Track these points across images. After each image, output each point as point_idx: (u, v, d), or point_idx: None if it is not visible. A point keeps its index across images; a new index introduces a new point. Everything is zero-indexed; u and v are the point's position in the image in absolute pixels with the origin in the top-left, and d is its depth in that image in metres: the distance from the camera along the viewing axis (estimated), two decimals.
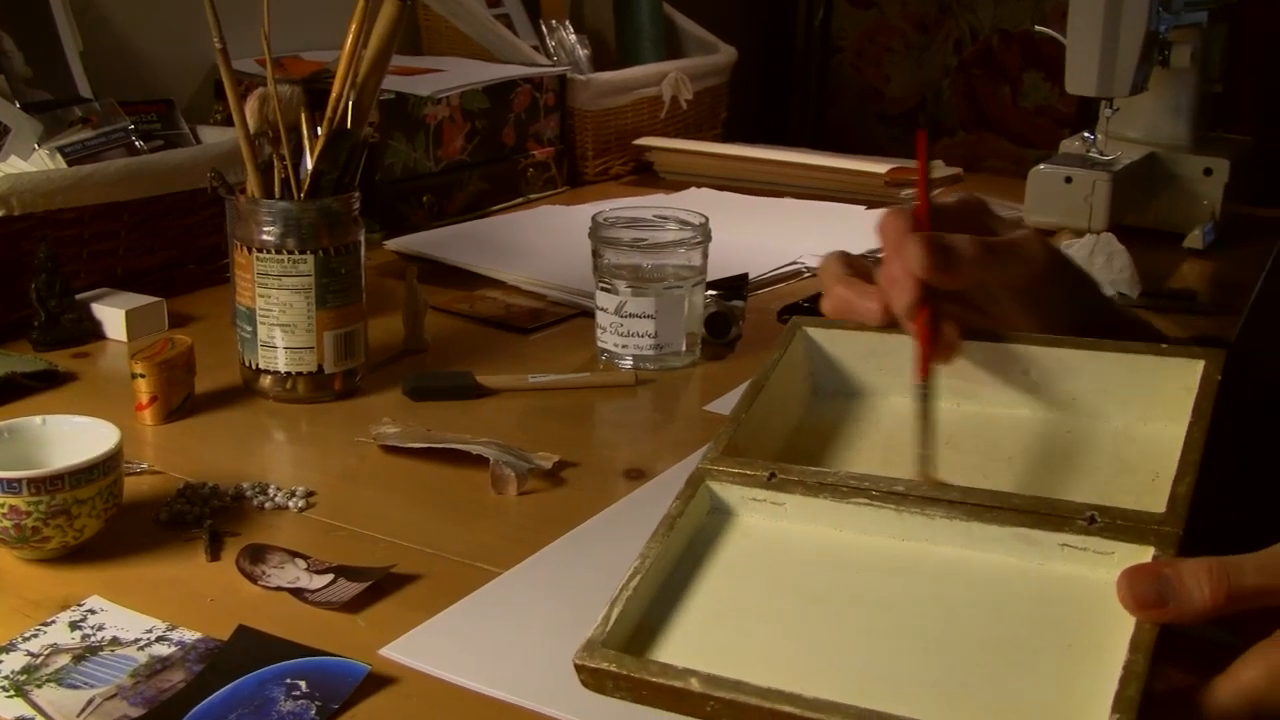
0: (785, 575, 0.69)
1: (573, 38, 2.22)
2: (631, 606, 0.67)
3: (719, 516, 0.73)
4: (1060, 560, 0.66)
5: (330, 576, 0.87)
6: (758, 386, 0.77)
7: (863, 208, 1.96)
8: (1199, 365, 0.75)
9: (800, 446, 0.78)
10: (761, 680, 0.60)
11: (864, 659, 0.64)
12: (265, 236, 1.14)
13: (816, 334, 0.82)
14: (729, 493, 0.73)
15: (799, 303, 1.46)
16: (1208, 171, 1.86)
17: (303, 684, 0.75)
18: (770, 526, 0.72)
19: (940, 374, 0.75)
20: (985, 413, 0.79)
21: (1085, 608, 0.64)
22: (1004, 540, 0.68)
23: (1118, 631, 0.61)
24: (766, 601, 0.68)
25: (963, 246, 0.75)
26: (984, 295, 0.80)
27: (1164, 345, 0.77)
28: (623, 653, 0.64)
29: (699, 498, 0.72)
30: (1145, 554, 0.63)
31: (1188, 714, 0.60)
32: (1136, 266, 1.58)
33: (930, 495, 0.69)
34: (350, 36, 1.16)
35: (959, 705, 0.60)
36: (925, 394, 0.72)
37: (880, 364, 0.81)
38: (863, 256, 0.81)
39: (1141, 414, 0.77)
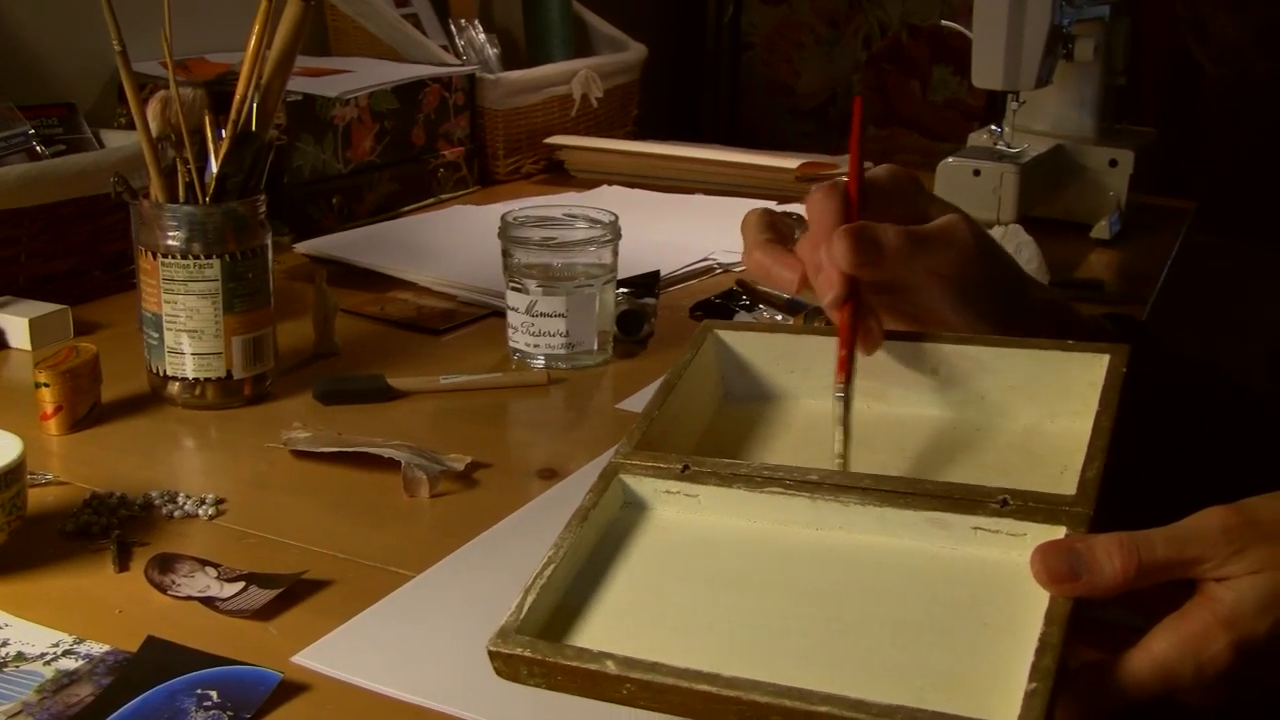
0: (701, 564, 0.69)
1: (482, 37, 2.21)
2: (545, 595, 0.66)
3: (633, 509, 0.73)
4: (973, 544, 0.67)
5: (241, 584, 0.86)
6: (669, 386, 0.77)
7: (774, 203, 1.96)
8: (1104, 360, 0.75)
9: (712, 447, 0.78)
10: (679, 664, 0.60)
11: (780, 642, 0.64)
12: (170, 241, 1.12)
13: (727, 336, 0.82)
14: (643, 485, 0.72)
15: (711, 299, 1.47)
16: (1113, 163, 1.89)
17: (214, 694, 0.74)
18: (684, 518, 0.72)
19: (856, 374, 0.75)
20: (895, 412, 0.79)
21: (999, 588, 0.65)
22: (917, 525, 0.68)
23: (1032, 609, 0.62)
24: (682, 590, 0.68)
25: (890, 239, 0.75)
26: (909, 282, 0.80)
27: (1070, 341, 0.77)
28: (537, 639, 0.63)
29: (612, 490, 0.72)
30: (1057, 534, 0.64)
31: (1102, 686, 0.62)
32: (1044, 257, 1.59)
33: (843, 483, 0.69)
34: (254, 37, 1.15)
35: (875, 681, 0.60)
36: (846, 396, 0.72)
37: (791, 366, 0.81)
38: (786, 215, 0.80)
39: (1050, 410, 0.77)
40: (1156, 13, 2.74)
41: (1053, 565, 0.62)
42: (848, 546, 0.69)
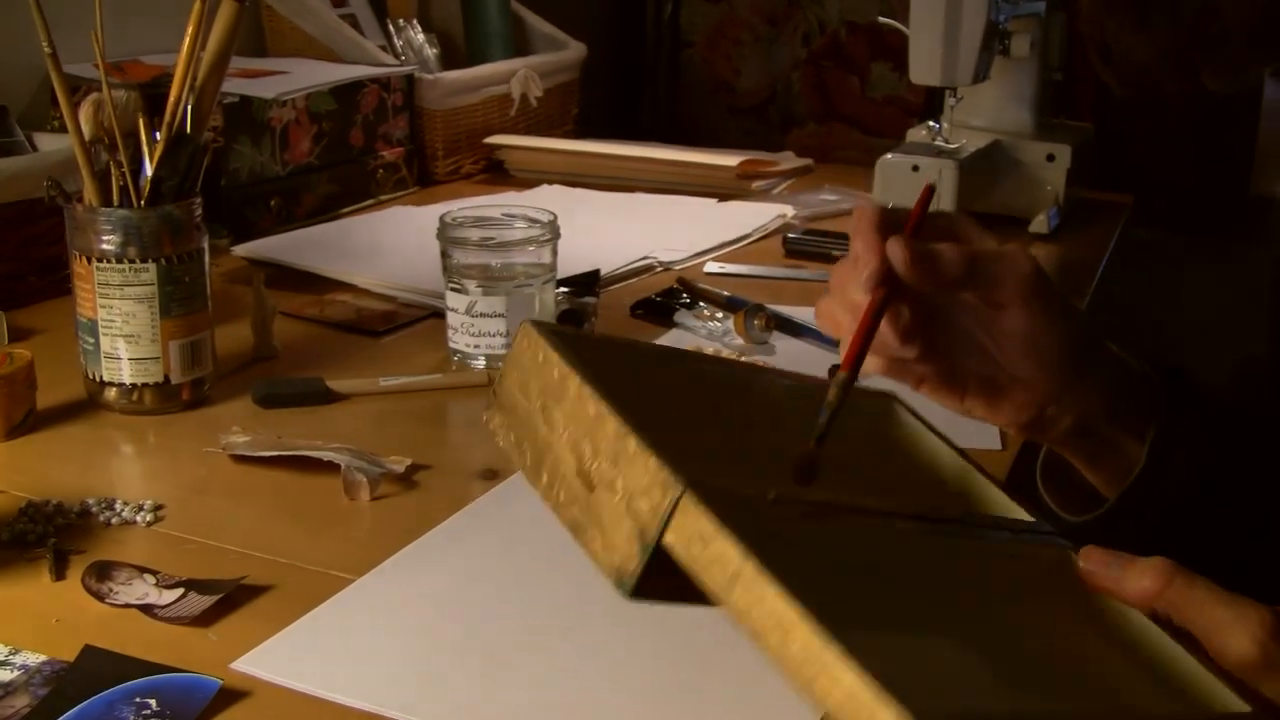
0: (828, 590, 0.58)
1: (420, 37, 2.21)
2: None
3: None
4: (996, 567, 0.69)
5: (180, 591, 0.85)
6: (613, 407, 0.62)
7: (714, 200, 1.97)
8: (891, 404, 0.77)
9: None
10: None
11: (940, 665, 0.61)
12: (105, 246, 1.11)
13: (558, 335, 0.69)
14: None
15: (651, 297, 1.47)
16: (1050, 157, 1.91)
17: (153, 702, 0.73)
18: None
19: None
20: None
21: (1058, 600, 0.68)
22: (956, 550, 0.68)
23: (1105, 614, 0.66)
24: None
25: (947, 250, 0.75)
26: (968, 313, 0.80)
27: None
28: None
29: (745, 527, 0.55)
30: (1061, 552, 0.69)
31: None
32: None
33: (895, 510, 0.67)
34: (187, 39, 1.14)
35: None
36: (845, 381, 0.68)
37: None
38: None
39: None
40: (1128, 66, 2.76)
41: (1097, 556, 0.67)
42: (934, 575, 0.66)
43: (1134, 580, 0.65)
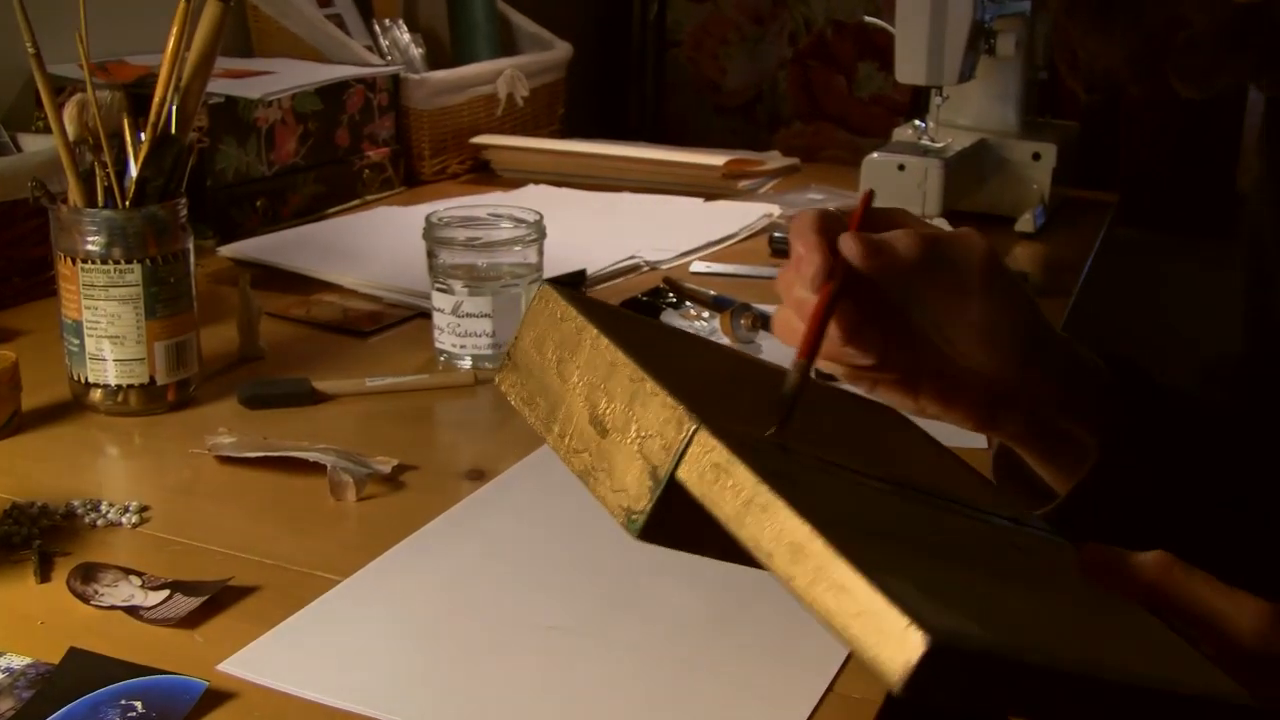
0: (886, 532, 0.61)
1: (406, 37, 2.20)
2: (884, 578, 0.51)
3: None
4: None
5: (166, 593, 0.85)
6: (640, 351, 0.65)
7: (701, 200, 1.97)
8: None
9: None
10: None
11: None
12: (90, 247, 1.11)
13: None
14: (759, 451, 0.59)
15: (638, 297, 1.47)
16: (1036, 156, 1.91)
17: (138, 704, 0.73)
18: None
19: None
20: None
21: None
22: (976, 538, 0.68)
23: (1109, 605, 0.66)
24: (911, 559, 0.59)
25: (900, 238, 0.74)
26: (923, 300, 0.78)
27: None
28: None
29: (764, 456, 0.58)
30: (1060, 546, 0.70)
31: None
32: None
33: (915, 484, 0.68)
34: (172, 39, 1.14)
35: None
36: (802, 371, 0.67)
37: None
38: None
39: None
40: (1093, 72, 2.76)
41: (1098, 552, 0.67)
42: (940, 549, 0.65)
43: (1134, 573, 0.65)
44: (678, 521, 0.57)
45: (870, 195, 0.79)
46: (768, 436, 0.61)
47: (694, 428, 0.56)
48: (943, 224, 1.72)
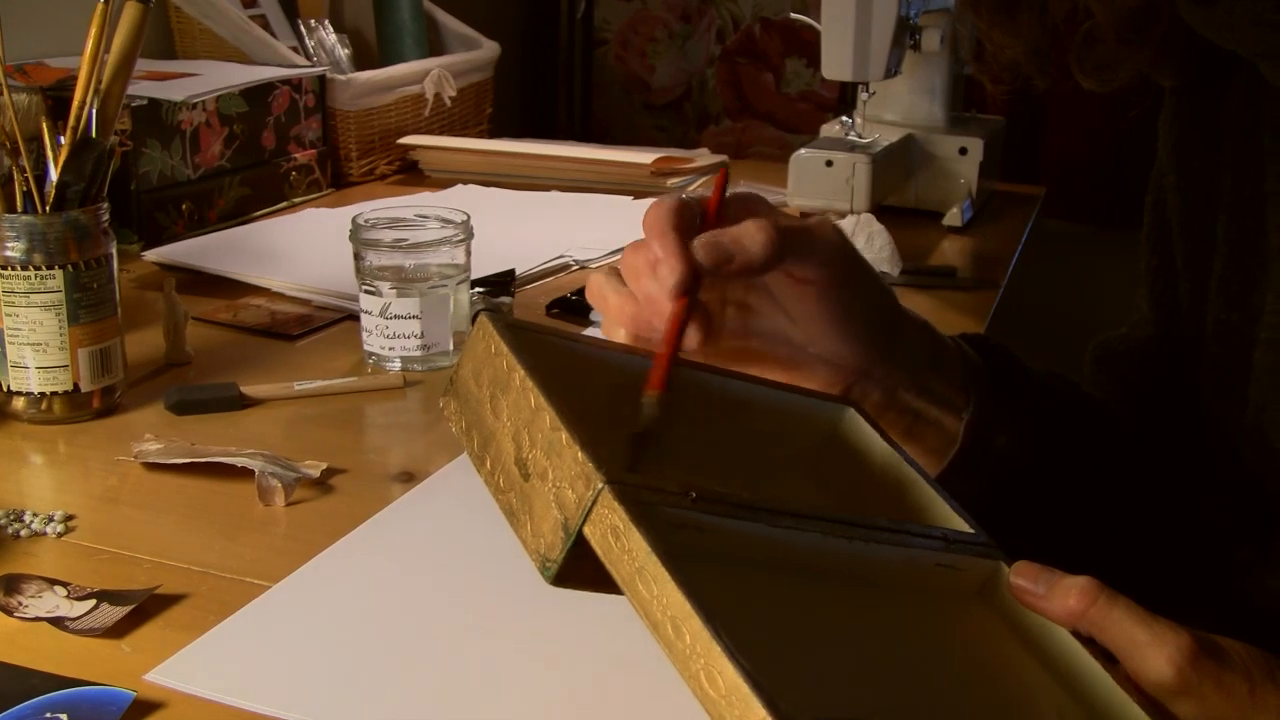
0: (768, 605, 0.63)
1: (332, 37, 2.19)
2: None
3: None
4: (936, 579, 0.70)
5: (92, 603, 0.84)
6: (548, 384, 0.64)
7: (629, 198, 1.96)
8: (847, 412, 0.78)
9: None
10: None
11: (916, 686, 0.64)
12: (9, 253, 1.09)
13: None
14: (668, 513, 0.60)
15: (567, 296, 1.46)
16: (963, 151, 1.92)
17: (64, 717, 0.72)
18: (702, 555, 0.60)
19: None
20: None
21: (992, 616, 0.70)
22: (897, 562, 0.68)
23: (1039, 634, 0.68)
24: (801, 623, 0.63)
25: (753, 233, 0.72)
26: (777, 292, 0.78)
27: (814, 392, 0.78)
28: None
29: (658, 524, 0.57)
30: (996, 567, 0.71)
31: None
32: (898, 245, 1.62)
33: (837, 518, 0.67)
34: (90, 40, 1.12)
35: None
36: (655, 406, 0.66)
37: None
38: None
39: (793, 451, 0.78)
40: (998, 64, 2.78)
41: (1028, 572, 0.68)
42: (863, 581, 0.68)
43: (1059, 598, 0.66)
44: (591, 569, 0.57)
45: (725, 176, 0.78)
46: (694, 496, 0.60)
47: (600, 487, 0.56)
48: (779, 197, 1.73)
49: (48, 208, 1.11)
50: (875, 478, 0.78)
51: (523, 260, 1.56)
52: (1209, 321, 0.91)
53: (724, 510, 0.61)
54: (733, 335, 0.80)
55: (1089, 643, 0.66)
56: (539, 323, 0.75)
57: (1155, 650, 0.63)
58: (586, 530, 0.57)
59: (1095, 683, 0.65)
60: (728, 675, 0.50)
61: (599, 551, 0.56)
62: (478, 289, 1.35)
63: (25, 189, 1.11)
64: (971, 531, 0.72)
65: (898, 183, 1.88)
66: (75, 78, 1.14)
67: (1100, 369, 1.04)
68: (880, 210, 1.75)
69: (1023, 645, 0.69)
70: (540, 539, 0.59)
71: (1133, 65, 0.86)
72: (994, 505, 0.81)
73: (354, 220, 1.27)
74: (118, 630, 0.81)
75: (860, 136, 1.83)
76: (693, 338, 0.71)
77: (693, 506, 0.60)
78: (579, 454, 0.58)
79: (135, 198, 1.66)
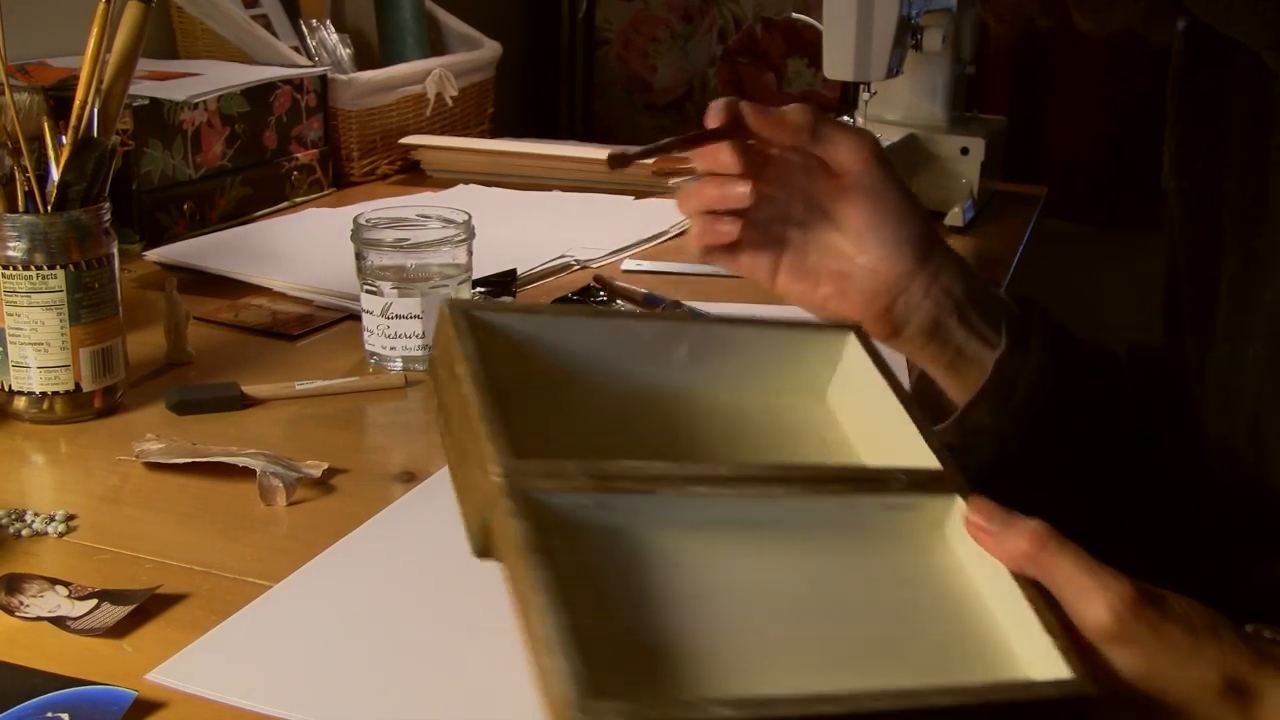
0: (655, 579, 0.66)
1: (334, 37, 2.19)
2: (572, 652, 0.58)
3: (563, 534, 0.65)
4: (885, 520, 0.72)
5: (93, 602, 0.84)
6: (481, 383, 0.69)
7: (631, 198, 1.96)
8: (847, 338, 0.82)
9: (560, 440, 0.75)
10: (761, 691, 0.60)
11: (799, 649, 0.65)
12: (11, 253, 1.09)
13: (481, 315, 0.76)
14: (554, 502, 0.66)
15: (568, 296, 1.47)
16: (964, 151, 1.92)
17: (65, 717, 0.72)
18: (609, 532, 0.67)
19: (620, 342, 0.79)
20: (648, 389, 0.81)
21: (937, 558, 0.72)
22: (835, 509, 0.72)
23: (983, 573, 0.69)
24: (664, 611, 0.65)
25: (795, 109, 0.83)
26: (813, 186, 0.88)
27: (814, 322, 0.84)
28: (623, 702, 0.56)
29: (538, 515, 0.64)
30: (952, 503, 0.72)
31: None
32: None
33: (758, 476, 0.71)
34: (92, 40, 1.12)
35: (919, 668, 0.66)
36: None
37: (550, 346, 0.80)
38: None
39: (791, 385, 0.83)
40: (1002, 2, 2.78)
41: (982, 508, 0.69)
42: (788, 540, 0.70)
43: (1011, 539, 0.68)
44: None
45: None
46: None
47: (499, 476, 0.63)
48: None
49: (49, 207, 1.11)
50: (864, 411, 0.80)
51: (524, 260, 1.56)
52: (1219, 322, 0.91)
53: (628, 487, 0.66)
54: (794, 251, 0.90)
55: (1034, 586, 0.68)
56: (508, 304, 0.82)
57: (1096, 596, 0.65)
58: (488, 514, 0.64)
59: (1028, 626, 0.66)
60: (554, 666, 0.55)
61: (495, 535, 0.63)
62: (479, 289, 1.35)
63: (27, 189, 1.11)
64: (939, 468, 0.74)
65: None
66: (77, 77, 1.14)
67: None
68: None
69: (972, 582, 0.71)
70: (469, 518, 0.67)
71: (1125, 14, 0.88)
72: (1016, 442, 0.88)
73: (355, 220, 1.27)
74: (119, 630, 0.81)
75: None
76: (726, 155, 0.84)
77: (594, 488, 0.66)
78: (488, 446, 0.64)
79: (137, 197, 1.66)
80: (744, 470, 0.71)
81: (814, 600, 0.67)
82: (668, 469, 0.68)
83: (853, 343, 0.82)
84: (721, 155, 0.85)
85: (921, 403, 0.95)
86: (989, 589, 0.69)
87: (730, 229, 0.88)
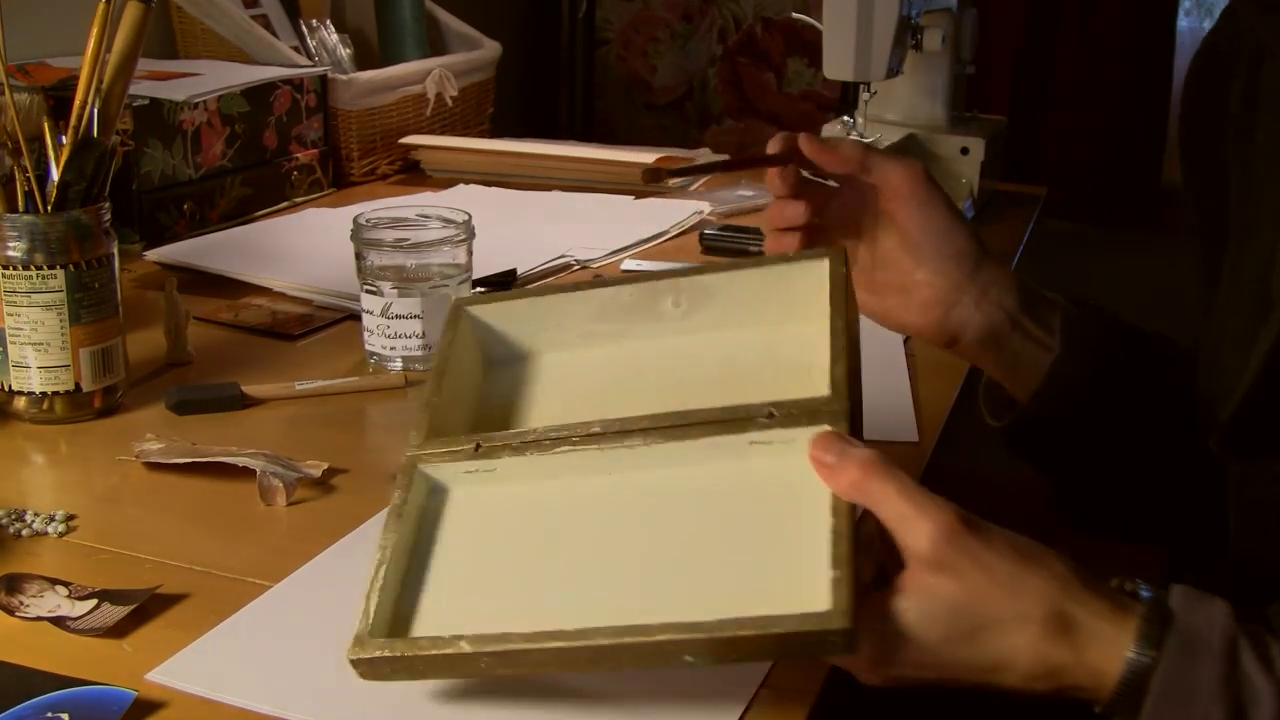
0: (514, 532, 0.78)
1: (334, 37, 2.19)
2: (386, 595, 0.74)
3: (439, 496, 0.81)
4: (752, 457, 0.76)
5: (93, 602, 0.84)
6: (440, 372, 0.87)
7: (631, 198, 1.96)
8: (825, 264, 0.85)
9: (489, 415, 0.87)
10: (524, 628, 0.68)
11: (604, 586, 0.72)
12: (11, 252, 1.09)
13: (478, 310, 0.91)
14: (442, 471, 0.81)
15: None
16: (964, 151, 1.92)
17: (65, 717, 0.72)
18: (488, 492, 0.81)
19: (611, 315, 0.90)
20: (645, 347, 0.89)
21: (785, 493, 0.74)
22: (699, 451, 0.77)
23: (818, 506, 0.71)
24: (504, 560, 0.76)
25: (845, 142, 0.92)
26: (865, 205, 0.95)
27: (791, 253, 0.90)
28: (390, 637, 0.72)
29: (417, 483, 0.81)
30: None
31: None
32: None
33: (625, 428, 0.78)
34: (92, 40, 1.12)
35: (700, 600, 0.68)
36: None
37: (540, 326, 0.91)
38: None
39: (782, 317, 0.87)
40: (1003, 3, 2.79)
41: (824, 443, 0.72)
42: (642, 485, 0.77)
43: (842, 471, 0.70)
44: None
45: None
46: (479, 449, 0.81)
47: (418, 446, 0.82)
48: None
49: (49, 207, 1.11)
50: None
51: (524, 260, 1.56)
52: (1216, 304, 0.93)
53: (506, 452, 0.79)
54: (863, 270, 0.97)
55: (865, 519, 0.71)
56: (495, 295, 0.95)
57: (917, 523, 0.68)
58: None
59: (820, 556, 0.68)
60: (375, 611, 0.73)
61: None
62: (479, 288, 1.35)
63: (27, 189, 1.11)
64: (824, 395, 0.76)
65: None
66: (77, 77, 1.14)
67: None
68: None
69: (797, 514, 0.73)
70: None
71: None
72: (1081, 434, 0.96)
73: (355, 220, 1.27)
74: (119, 630, 0.81)
75: (862, 136, 1.83)
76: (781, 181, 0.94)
77: (479, 455, 0.80)
78: (422, 415, 0.83)
79: (137, 197, 1.66)
80: (611, 425, 0.78)
81: (651, 541, 0.74)
82: (540, 433, 0.79)
83: (833, 265, 0.85)
84: (774, 181, 0.95)
85: (989, 397, 1.04)
86: (810, 520, 0.71)
87: (791, 241, 0.95)
